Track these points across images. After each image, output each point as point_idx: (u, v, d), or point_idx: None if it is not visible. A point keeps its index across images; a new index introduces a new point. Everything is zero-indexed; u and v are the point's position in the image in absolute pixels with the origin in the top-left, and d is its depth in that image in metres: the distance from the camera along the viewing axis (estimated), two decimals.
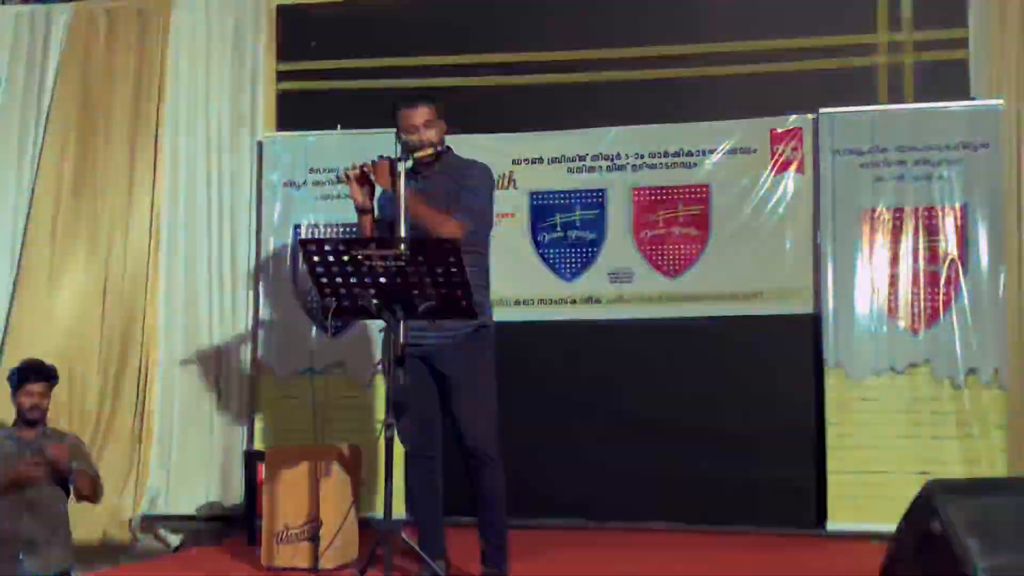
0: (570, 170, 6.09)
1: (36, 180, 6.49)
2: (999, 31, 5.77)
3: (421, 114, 4.14)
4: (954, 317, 5.52)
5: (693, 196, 5.95)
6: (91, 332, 6.43)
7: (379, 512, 3.80)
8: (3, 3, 6.82)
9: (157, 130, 6.52)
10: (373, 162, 3.99)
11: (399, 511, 5.03)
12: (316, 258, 3.63)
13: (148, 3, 6.63)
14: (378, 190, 4.09)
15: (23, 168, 6.62)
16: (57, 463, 4.83)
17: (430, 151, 4.11)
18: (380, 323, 3.89)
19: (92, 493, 5.00)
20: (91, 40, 6.62)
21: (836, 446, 5.56)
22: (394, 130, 4.14)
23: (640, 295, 5.96)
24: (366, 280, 3.63)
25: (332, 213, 6.19)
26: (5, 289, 6.51)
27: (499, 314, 4.45)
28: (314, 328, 6.10)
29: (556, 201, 6.10)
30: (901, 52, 5.90)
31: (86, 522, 5.75)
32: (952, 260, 5.56)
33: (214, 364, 6.39)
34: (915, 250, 5.62)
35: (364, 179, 4.03)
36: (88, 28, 6.62)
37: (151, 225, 6.47)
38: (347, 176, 4.05)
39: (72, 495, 5.01)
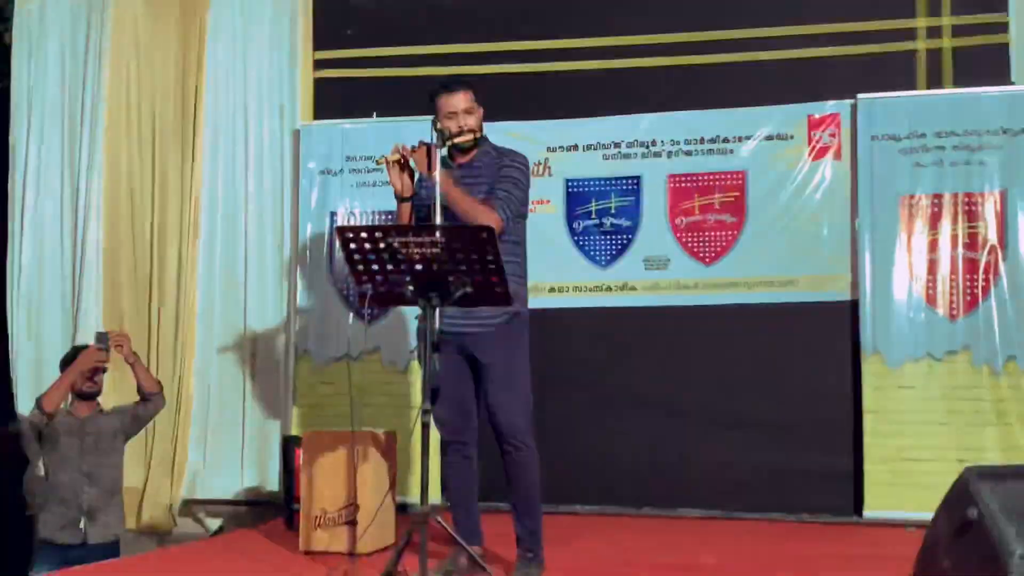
0: (605, 157, 6.08)
1: (103, 176, 6.59)
2: None
3: (462, 100, 4.14)
4: (993, 304, 5.47)
5: (729, 183, 5.93)
6: (134, 317, 6.50)
7: (415, 497, 3.81)
8: None
9: (196, 117, 6.58)
10: (413, 147, 4.00)
11: (435, 496, 5.06)
12: (352, 245, 3.64)
13: None
14: (416, 177, 4.11)
15: (74, 161, 6.69)
16: (121, 347, 5.08)
17: (469, 137, 4.11)
18: (416, 310, 3.91)
19: (156, 384, 5.27)
20: (134, 30, 6.67)
21: (873, 433, 5.53)
22: (430, 117, 4.15)
23: (676, 282, 5.94)
24: (402, 267, 3.64)
25: (368, 200, 6.24)
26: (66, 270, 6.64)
27: (534, 301, 4.45)
28: (351, 314, 6.14)
29: (591, 188, 6.10)
30: (940, 37, 5.84)
31: (126, 507, 5.82)
32: (991, 246, 5.50)
33: (251, 350, 6.45)
34: (954, 236, 5.57)
35: (404, 164, 4.05)
36: (131, 17, 6.68)
37: (190, 211, 6.54)
38: (386, 161, 4.06)
39: (138, 394, 5.26)
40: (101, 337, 5.11)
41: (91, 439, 5.09)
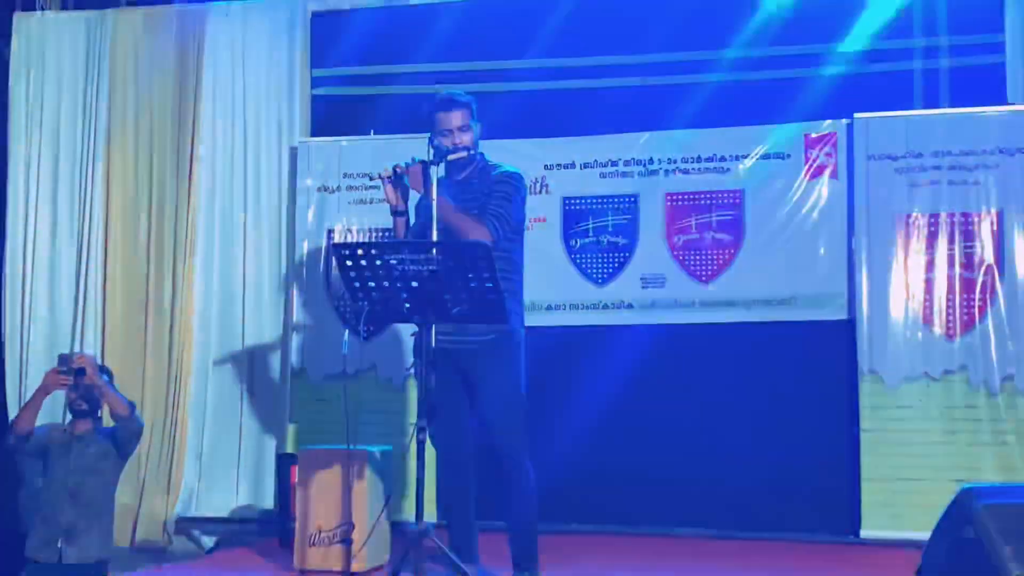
0: (603, 175, 6.08)
1: (101, 194, 6.59)
2: None
3: (457, 117, 4.15)
4: (990, 323, 5.46)
5: (726, 201, 5.93)
6: (130, 334, 6.49)
7: (411, 515, 3.80)
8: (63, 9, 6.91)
9: (194, 133, 6.58)
10: (407, 164, 4.02)
11: (431, 514, 5.04)
12: (349, 262, 3.65)
13: (185, 10, 6.69)
14: (413, 194, 4.11)
15: (72, 178, 6.69)
16: (83, 363, 4.95)
17: (463, 154, 4.12)
18: (412, 327, 3.91)
19: (125, 408, 5.04)
20: (133, 47, 6.68)
21: (870, 453, 5.51)
22: (427, 135, 4.16)
23: (673, 300, 5.94)
24: (398, 284, 3.64)
25: (365, 217, 6.24)
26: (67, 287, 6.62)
27: (531, 319, 4.46)
28: (347, 331, 6.12)
29: (588, 206, 6.10)
30: (937, 57, 5.85)
31: (120, 524, 5.79)
32: (988, 266, 5.50)
33: (247, 367, 6.42)
34: (950, 256, 5.56)
35: (398, 181, 4.06)
36: (129, 34, 6.69)
37: (187, 228, 6.52)
38: (381, 178, 4.08)
39: (113, 419, 5.11)
40: (63, 359, 5.04)
41: (77, 457, 5.03)
